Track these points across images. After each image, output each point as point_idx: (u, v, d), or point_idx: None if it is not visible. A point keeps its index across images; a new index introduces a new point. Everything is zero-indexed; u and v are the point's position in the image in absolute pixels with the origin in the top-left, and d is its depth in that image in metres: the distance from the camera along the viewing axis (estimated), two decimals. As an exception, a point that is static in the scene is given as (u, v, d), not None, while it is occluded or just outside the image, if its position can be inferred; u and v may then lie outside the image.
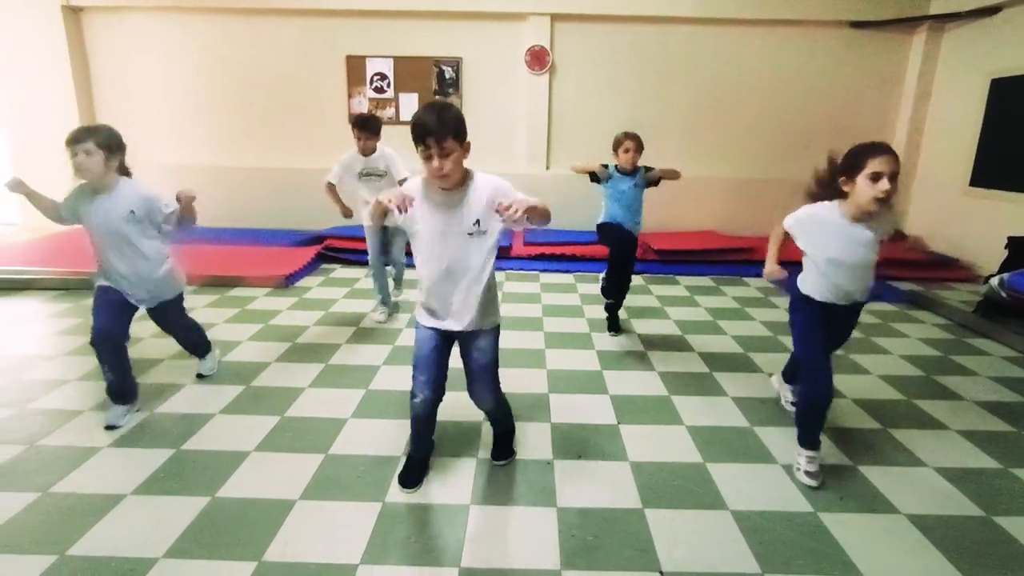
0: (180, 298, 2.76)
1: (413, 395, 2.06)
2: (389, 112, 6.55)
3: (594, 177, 3.51)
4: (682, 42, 6.38)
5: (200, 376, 3.00)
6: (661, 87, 6.49)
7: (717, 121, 6.59)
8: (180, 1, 6.29)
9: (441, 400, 2.11)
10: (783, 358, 3.44)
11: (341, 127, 6.52)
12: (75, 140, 2.34)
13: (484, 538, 1.89)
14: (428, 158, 1.79)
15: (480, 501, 2.08)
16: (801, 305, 2.30)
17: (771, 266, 2.35)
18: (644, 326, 3.99)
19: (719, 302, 4.61)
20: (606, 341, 3.69)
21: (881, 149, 1.96)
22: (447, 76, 6.49)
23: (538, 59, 6.34)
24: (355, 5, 6.24)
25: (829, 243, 2.13)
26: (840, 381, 3.10)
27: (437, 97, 6.52)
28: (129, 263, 2.49)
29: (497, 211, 1.80)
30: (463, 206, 1.89)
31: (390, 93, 6.54)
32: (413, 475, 2.17)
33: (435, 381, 2.05)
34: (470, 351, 2.07)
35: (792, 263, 2.34)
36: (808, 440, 2.23)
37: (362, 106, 6.55)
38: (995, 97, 5.42)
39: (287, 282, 4.83)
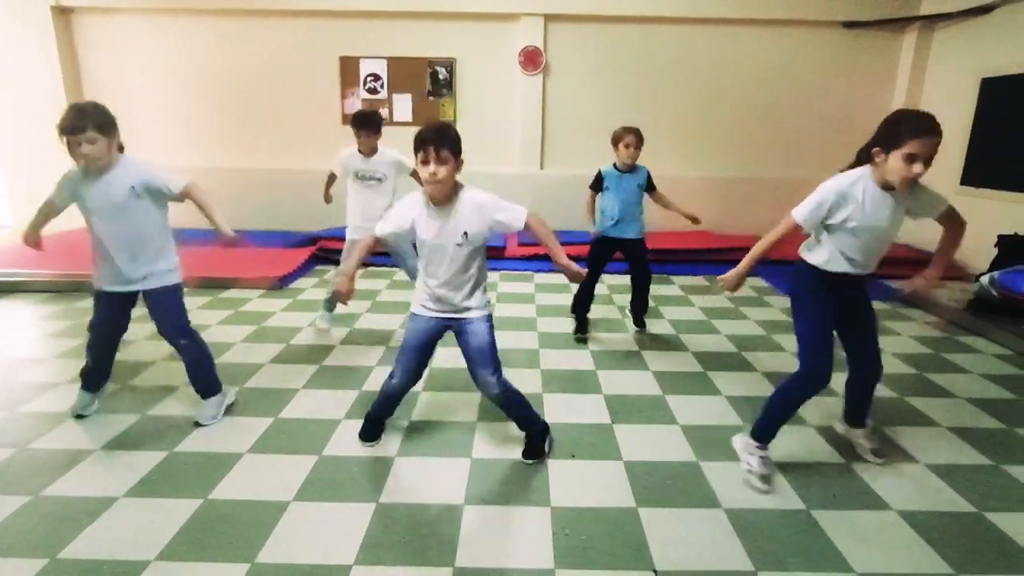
0: (178, 289, 2.56)
1: (392, 376, 2.33)
2: (383, 113, 6.54)
3: None
4: (675, 42, 6.40)
5: (197, 424, 2.57)
6: (654, 87, 6.51)
7: (710, 121, 6.61)
8: (171, 2, 6.26)
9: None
10: (777, 357, 3.46)
11: (335, 128, 6.54)
12: (75, 130, 2.20)
13: (478, 538, 1.89)
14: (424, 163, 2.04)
15: (474, 501, 2.08)
16: (806, 286, 2.13)
17: (741, 272, 2.16)
18: (638, 326, 3.99)
19: (713, 301, 4.62)
20: (600, 341, 3.69)
21: (925, 129, 1.78)
22: (441, 77, 6.49)
23: (532, 60, 6.34)
24: (348, 6, 6.22)
25: (857, 210, 1.95)
26: (832, 379, 3.11)
27: (431, 98, 6.52)
28: (126, 241, 2.37)
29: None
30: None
31: (384, 94, 6.53)
32: (372, 431, 2.46)
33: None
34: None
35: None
36: (770, 433, 2.20)
37: (355, 107, 6.53)
38: (985, 97, 5.45)
39: (281, 284, 4.82)
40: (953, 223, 2.11)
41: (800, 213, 2.05)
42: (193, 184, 2.46)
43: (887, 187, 1.93)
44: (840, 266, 2.06)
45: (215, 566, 1.75)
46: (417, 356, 2.29)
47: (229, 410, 2.70)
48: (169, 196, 2.43)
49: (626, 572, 1.76)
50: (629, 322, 3.96)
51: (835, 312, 2.12)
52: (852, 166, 2.05)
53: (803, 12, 6.21)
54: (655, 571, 1.77)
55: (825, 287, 2.10)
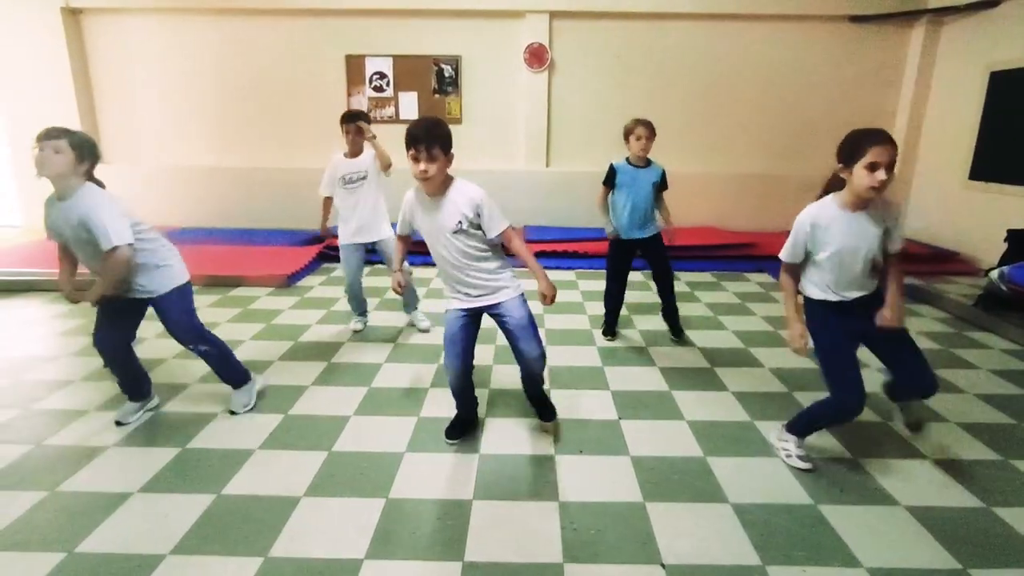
0: (176, 294, 2.48)
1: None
2: (389, 111, 6.56)
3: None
4: (681, 38, 6.39)
5: (232, 412, 2.66)
6: (660, 83, 6.50)
7: (716, 117, 6.59)
8: (180, 2, 6.30)
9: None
10: (784, 352, 3.46)
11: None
12: (47, 136, 2.19)
13: (487, 532, 1.91)
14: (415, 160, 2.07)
15: (483, 496, 2.10)
16: (818, 318, 2.13)
17: (797, 328, 2.12)
18: (644, 322, 3.99)
19: (720, 297, 4.62)
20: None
21: (879, 138, 1.90)
22: (446, 75, 6.50)
23: (537, 57, 6.34)
24: (354, 4, 6.25)
25: (831, 237, 2.02)
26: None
27: (436, 96, 6.54)
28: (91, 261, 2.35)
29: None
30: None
31: (389, 92, 6.55)
32: (456, 430, 2.47)
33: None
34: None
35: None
36: (800, 431, 2.30)
37: (362, 105, 6.56)
38: (994, 90, 5.41)
39: (289, 281, 4.85)
40: (899, 267, 2.11)
41: (784, 253, 2.14)
42: (121, 252, 2.23)
43: (858, 207, 1.98)
44: (831, 294, 2.09)
45: (229, 560, 1.78)
46: (457, 343, 2.29)
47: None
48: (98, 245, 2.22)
49: (634, 566, 1.78)
50: (639, 319, 3.97)
51: (854, 334, 2.12)
52: (822, 196, 2.11)
53: (809, 7, 6.18)
54: (663, 565, 1.78)
55: (834, 315, 2.11)
